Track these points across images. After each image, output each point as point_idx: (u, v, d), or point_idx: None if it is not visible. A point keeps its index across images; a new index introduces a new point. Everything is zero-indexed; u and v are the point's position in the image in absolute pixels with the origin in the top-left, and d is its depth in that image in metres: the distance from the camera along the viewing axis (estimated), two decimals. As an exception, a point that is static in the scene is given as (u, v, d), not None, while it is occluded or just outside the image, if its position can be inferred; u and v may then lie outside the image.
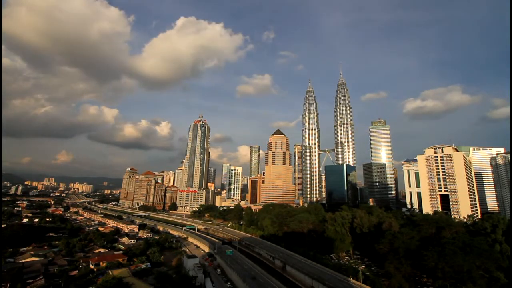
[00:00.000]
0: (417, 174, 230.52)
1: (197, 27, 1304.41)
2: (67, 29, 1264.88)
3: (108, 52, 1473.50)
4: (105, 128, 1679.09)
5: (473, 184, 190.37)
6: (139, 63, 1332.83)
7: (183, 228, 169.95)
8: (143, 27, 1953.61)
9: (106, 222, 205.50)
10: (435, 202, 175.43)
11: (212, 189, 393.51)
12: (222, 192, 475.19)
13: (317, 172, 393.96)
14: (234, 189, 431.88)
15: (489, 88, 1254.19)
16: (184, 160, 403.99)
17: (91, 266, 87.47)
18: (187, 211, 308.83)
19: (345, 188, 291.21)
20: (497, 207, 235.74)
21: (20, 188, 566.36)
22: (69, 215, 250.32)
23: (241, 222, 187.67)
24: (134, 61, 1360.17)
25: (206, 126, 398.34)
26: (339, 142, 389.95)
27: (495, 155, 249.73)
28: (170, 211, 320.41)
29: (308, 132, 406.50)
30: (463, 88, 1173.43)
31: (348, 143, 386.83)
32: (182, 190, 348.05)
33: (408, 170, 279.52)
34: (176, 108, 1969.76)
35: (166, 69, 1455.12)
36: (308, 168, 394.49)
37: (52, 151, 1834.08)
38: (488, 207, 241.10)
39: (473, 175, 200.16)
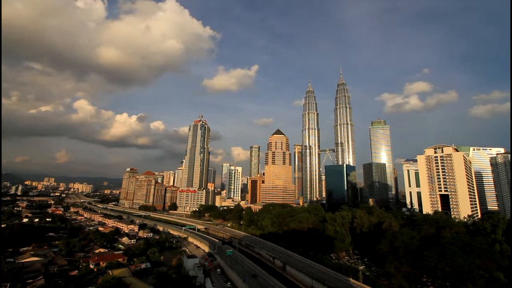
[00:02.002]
0: (417, 174, 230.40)
1: (183, 23, 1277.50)
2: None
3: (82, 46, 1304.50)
4: (98, 128, 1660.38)
5: (473, 184, 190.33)
6: (108, 55, 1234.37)
7: (183, 228, 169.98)
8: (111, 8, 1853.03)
9: (106, 222, 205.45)
10: (435, 202, 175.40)
11: (212, 189, 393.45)
12: (222, 192, 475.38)
13: (317, 172, 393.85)
14: (234, 189, 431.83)
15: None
16: (184, 160, 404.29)
17: (91, 266, 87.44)
18: (187, 211, 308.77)
19: (345, 188, 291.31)
20: (497, 207, 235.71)
21: (20, 188, 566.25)
22: (69, 215, 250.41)
23: (241, 222, 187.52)
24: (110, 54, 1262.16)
25: (206, 126, 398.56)
26: (339, 142, 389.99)
27: (495, 155, 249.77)
28: (170, 211, 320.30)
29: (308, 132, 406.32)
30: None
31: (348, 143, 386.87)
32: (182, 190, 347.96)
33: (408, 170, 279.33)
34: (166, 106, 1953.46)
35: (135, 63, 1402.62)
36: (308, 168, 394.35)
37: (49, 151, 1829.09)
38: (488, 207, 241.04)
39: (473, 175, 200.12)
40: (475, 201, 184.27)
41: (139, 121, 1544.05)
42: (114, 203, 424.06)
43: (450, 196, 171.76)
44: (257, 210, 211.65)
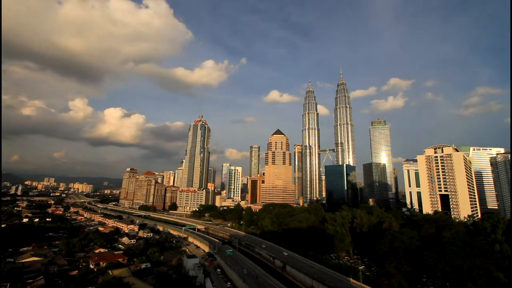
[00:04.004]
0: (417, 174, 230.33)
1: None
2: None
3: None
4: (88, 127, 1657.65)
5: (473, 184, 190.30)
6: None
7: (183, 228, 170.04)
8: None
9: (106, 222, 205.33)
10: (435, 202, 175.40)
11: (212, 189, 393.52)
12: (222, 192, 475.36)
13: (317, 172, 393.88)
14: (234, 189, 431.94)
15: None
16: (184, 160, 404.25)
17: (91, 266, 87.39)
18: (187, 211, 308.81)
19: (345, 188, 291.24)
20: (497, 207, 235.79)
21: (20, 188, 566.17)
22: (69, 215, 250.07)
23: (241, 222, 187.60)
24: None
25: (206, 126, 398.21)
26: (339, 142, 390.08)
27: (495, 155, 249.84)
28: (170, 211, 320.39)
29: (308, 132, 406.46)
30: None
31: (348, 143, 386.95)
32: (182, 190, 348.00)
33: (408, 170, 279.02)
34: (160, 104, 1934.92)
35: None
36: (308, 168, 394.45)
37: (48, 150, 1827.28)
38: (488, 207, 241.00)
39: (473, 175, 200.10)
40: (475, 201, 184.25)
41: (128, 117, 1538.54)
42: (114, 203, 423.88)
43: (450, 196, 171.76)
44: (257, 210, 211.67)
